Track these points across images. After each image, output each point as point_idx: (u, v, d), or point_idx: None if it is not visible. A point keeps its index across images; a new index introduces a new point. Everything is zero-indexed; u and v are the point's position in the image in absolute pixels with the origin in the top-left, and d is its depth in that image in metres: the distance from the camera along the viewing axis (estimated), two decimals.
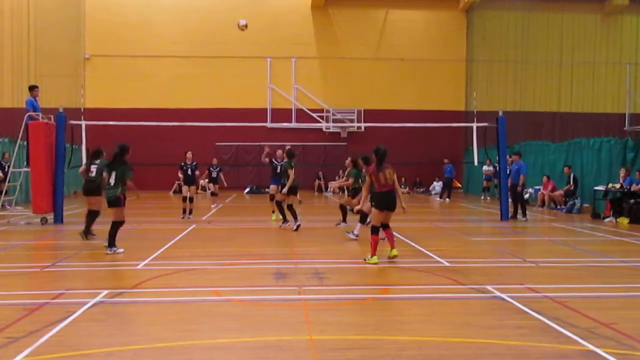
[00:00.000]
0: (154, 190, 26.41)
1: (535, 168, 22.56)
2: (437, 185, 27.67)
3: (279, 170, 13.99)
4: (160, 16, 29.98)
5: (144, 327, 5.42)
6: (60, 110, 14.38)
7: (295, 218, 12.55)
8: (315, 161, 29.87)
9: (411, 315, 5.92)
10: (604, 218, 15.44)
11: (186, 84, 29.80)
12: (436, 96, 30.75)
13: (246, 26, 14.95)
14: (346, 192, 14.19)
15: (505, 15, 31.43)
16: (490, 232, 13.44)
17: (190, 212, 15.27)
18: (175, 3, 30.25)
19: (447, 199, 23.64)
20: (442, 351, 4.66)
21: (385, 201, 8.80)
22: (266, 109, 30.38)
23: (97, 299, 6.26)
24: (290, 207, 12.80)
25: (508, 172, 16.10)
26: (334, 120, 30.35)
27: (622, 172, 15.80)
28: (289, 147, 14.10)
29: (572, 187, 18.20)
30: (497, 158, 15.90)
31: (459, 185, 29.42)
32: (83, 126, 15.42)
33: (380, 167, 8.83)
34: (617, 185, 15.62)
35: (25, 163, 15.03)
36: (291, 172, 12.56)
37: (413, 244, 10.54)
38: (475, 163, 17.50)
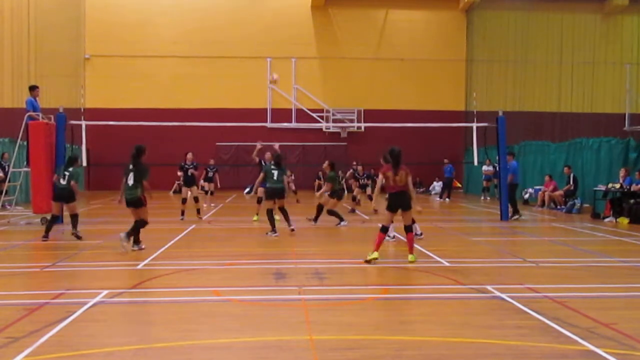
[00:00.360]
0: (153, 190, 26.24)
1: (535, 168, 22.58)
2: (437, 185, 27.68)
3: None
4: (160, 16, 29.98)
5: (144, 327, 5.43)
6: (60, 110, 14.38)
7: (272, 227, 11.74)
8: (315, 161, 29.84)
9: (411, 315, 5.93)
10: (603, 218, 15.44)
11: (186, 84, 29.80)
12: (436, 96, 30.75)
13: (277, 81, 15.13)
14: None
15: (505, 15, 31.44)
16: (490, 232, 13.44)
17: (198, 212, 15.30)
18: (175, 3, 30.25)
19: (447, 199, 23.64)
20: (442, 351, 4.66)
21: (396, 202, 8.80)
22: (266, 109, 30.38)
23: (97, 299, 6.26)
24: (268, 212, 11.98)
25: None
26: (334, 120, 30.36)
27: (621, 172, 15.80)
28: (276, 147, 13.97)
29: (572, 187, 18.20)
30: (497, 158, 15.88)
31: (459, 185, 29.41)
32: (83, 126, 15.42)
33: (397, 168, 8.82)
34: (617, 185, 15.62)
35: (25, 163, 15.03)
36: (285, 178, 12.30)
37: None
38: (475, 163, 17.50)
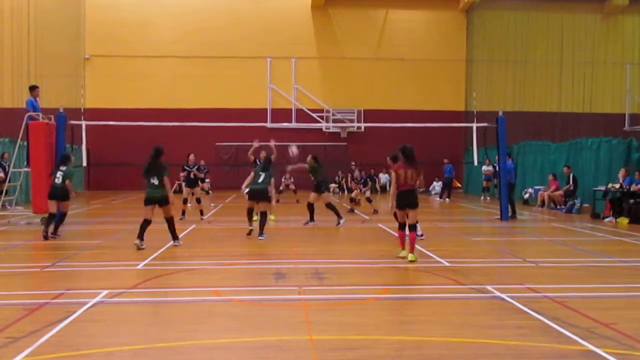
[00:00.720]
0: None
1: (535, 168, 22.57)
2: (437, 185, 27.69)
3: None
4: (160, 16, 30.00)
5: (144, 327, 5.43)
6: (61, 110, 14.37)
7: (250, 224, 11.62)
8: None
9: (411, 315, 5.92)
10: (603, 218, 15.44)
11: (186, 84, 29.82)
12: (436, 96, 30.76)
13: (296, 152, 15.12)
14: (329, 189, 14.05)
15: (505, 15, 31.45)
16: (490, 232, 13.43)
17: (201, 213, 15.32)
18: (175, 3, 30.27)
19: (447, 199, 23.64)
20: (442, 351, 4.66)
21: (405, 200, 8.95)
22: (266, 109, 30.38)
23: (97, 299, 6.26)
24: (249, 211, 11.77)
25: None
26: (334, 120, 30.36)
27: (621, 172, 15.80)
28: (272, 145, 13.94)
29: (572, 187, 18.20)
30: (497, 158, 15.88)
31: (459, 185, 29.41)
32: (83, 126, 15.42)
33: (410, 165, 8.96)
34: (617, 185, 15.62)
35: (25, 163, 15.03)
36: (272, 181, 12.14)
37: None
38: (475, 163, 17.49)
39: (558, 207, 18.38)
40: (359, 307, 6.14)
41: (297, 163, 15.06)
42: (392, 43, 30.90)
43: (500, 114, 15.79)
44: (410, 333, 5.15)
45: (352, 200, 18.81)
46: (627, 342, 4.85)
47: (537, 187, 20.80)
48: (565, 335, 5.01)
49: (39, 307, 5.91)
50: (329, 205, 13.71)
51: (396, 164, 9.33)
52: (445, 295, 6.69)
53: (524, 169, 22.98)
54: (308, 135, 30.10)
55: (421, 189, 28.64)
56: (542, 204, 19.09)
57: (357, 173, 19.59)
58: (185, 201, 15.29)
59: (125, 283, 7.14)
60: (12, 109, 26.01)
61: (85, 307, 5.91)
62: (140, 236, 9.82)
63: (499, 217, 15.23)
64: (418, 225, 10.49)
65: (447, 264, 8.54)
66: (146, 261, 8.69)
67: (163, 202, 10.07)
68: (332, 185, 29.19)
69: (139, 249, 9.68)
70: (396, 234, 9.47)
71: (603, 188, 16.41)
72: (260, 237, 11.21)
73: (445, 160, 24.86)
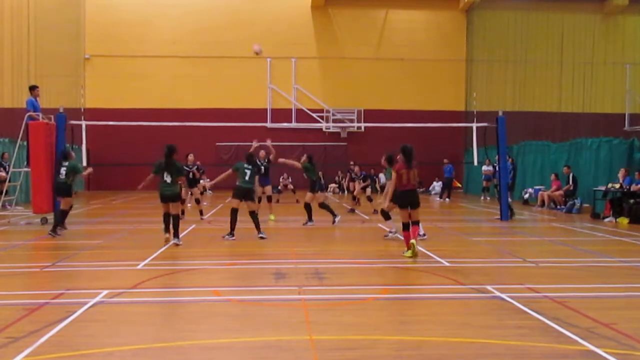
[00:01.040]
0: (153, 190, 26.36)
1: (535, 168, 22.57)
2: (437, 185, 27.69)
3: (262, 171, 14.41)
4: (160, 16, 30.00)
5: (144, 327, 5.42)
6: (61, 110, 14.37)
7: (231, 229, 11.20)
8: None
9: (411, 315, 5.92)
10: (603, 218, 15.43)
11: (186, 84, 29.82)
12: (436, 96, 30.76)
13: (260, 51, 15.13)
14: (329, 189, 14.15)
15: (505, 15, 31.45)
16: (490, 232, 13.43)
17: (201, 213, 15.34)
18: (175, 3, 30.27)
19: (447, 199, 23.64)
20: (442, 351, 4.66)
21: (407, 199, 9.07)
22: (266, 109, 30.39)
23: (97, 299, 6.26)
24: (232, 211, 11.32)
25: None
26: (334, 120, 30.36)
27: (621, 172, 15.79)
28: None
29: (572, 187, 18.20)
30: (497, 158, 15.88)
31: (460, 185, 29.42)
32: (83, 126, 15.43)
33: (409, 165, 9.08)
34: (617, 185, 15.62)
35: (25, 163, 15.03)
36: (256, 178, 12.10)
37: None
38: (475, 163, 17.48)
39: (558, 207, 18.38)
40: (359, 307, 6.14)
41: (289, 159, 15.17)
42: (392, 43, 30.91)
43: (500, 114, 15.78)
44: (410, 333, 5.15)
45: (354, 199, 18.80)
46: (627, 342, 4.85)
47: (537, 187, 20.80)
48: (565, 335, 5.01)
49: (39, 307, 5.91)
50: (322, 205, 13.73)
51: (392, 164, 9.41)
52: (445, 295, 6.69)
53: (524, 169, 22.98)
54: (308, 135, 30.12)
55: (421, 189, 28.68)
56: (542, 204, 19.09)
57: (356, 169, 19.58)
58: (183, 201, 15.30)
59: (125, 283, 7.14)
60: (12, 109, 26.02)
61: (85, 307, 5.91)
62: (167, 229, 10.52)
63: (498, 217, 15.24)
64: (420, 225, 10.54)
65: (447, 264, 8.54)
66: (146, 261, 8.69)
67: (174, 199, 10.53)
68: (332, 185, 29.21)
69: (167, 241, 10.36)
70: (400, 236, 9.49)
71: (603, 188, 16.41)
72: (261, 236, 11.19)
73: (445, 160, 24.86)
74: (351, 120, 30.06)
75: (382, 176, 28.48)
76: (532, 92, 31.54)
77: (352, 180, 19.72)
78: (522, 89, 31.59)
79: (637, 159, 16.58)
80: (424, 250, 9.77)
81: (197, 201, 15.68)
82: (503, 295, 6.42)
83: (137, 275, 7.76)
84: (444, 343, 4.86)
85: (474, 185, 27.25)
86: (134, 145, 28.08)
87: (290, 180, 25.29)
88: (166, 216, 10.55)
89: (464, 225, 14.62)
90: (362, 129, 29.65)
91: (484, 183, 24.08)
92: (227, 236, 11.16)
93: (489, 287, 6.83)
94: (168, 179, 10.48)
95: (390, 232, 11.28)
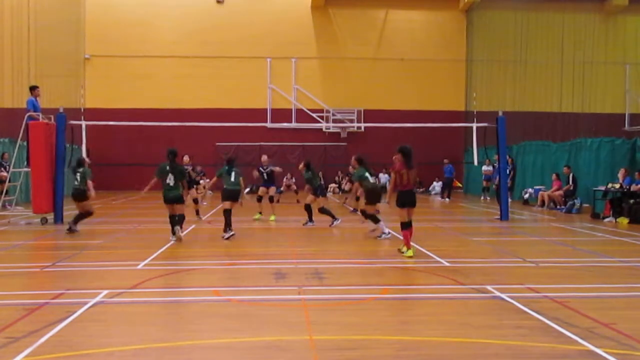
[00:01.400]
0: (153, 190, 26.35)
1: (535, 168, 22.56)
2: (437, 185, 27.67)
3: (265, 177, 15.45)
4: (160, 16, 29.98)
5: (144, 327, 5.42)
6: (61, 110, 14.38)
7: (228, 226, 11.27)
8: (315, 161, 29.84)
9: (411, 315, 5.93)
10: (603, 218, 15.44)
11: (186, 84, 29.80)
12: (436, 96, 30.75)
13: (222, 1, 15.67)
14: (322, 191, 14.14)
15: (505, 15, 31.42)
16: (490, 232, 13.43)
17: (197, 213, 15.36)
18: (175, 3, 30.25)
19: (447, 199, 23.65)
20: (442, 351, 4.66)
21: (406, 199, 9.19)
22: (266, 109, 30.38)
23: (97, 299, 6.26)
24: (226, 212, 11.44)
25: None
26: (334, 121, 30.35)
27: (621, 172, 15.79)
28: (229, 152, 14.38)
29: (572, 187, 18.20)
30: (496, 158, 15.88)
31: (459, 185, 29.42)
32: (83, 126, 15.43)
33: (409, 165, 9.21)
34: (617, 186, 15.62)
35: (25, 163, 15.03)
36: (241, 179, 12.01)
37: (413, 244, 10.50)
38: (475, 163, 17.48)
39: (558, 207, 18.38)
40: (359, 307, 6.14)
41: (289, 159, 15.53)
42: (392, 43, 30.89)
43: (500, 114, 15.78)
44: (410, 333, 5.15)
45: (357, 199, 18.76)
46: (627, 342, 4.85)
47: (537, 187, 20.79)
48: (565, 335, 5.01)
49: (39, 307, 5.91)
50: (322, 210, 13.72)
51: (362, 165, 9.68)
52: (445, 295, 6.69)
53: (524, 169, 22.98)
54: (308, 135, 30.12)
55: (421, 189, 28.69)
56: (542, 204, 19.09)
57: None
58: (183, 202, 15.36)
59: (125, 283, 7.14)
60: (12, 109, 25.98)
61: (85, 307, 5.91)
62: (173, 232, 10.74)
63: (498, 217, 15.24)
64: (383, 223, 11.26)
65: (447, 264, 8.54)
66: (146, 261, 8.69)
67: (178, 201, 10.87)
68: (332, 185, 29.20)
69: (179, 239, 10.63)
70: (401, 236, 9.51)
71: (603, 188, 16.41)
72: (222, 235, 11.12)
73: (445, 160, 24.86)
74: (351, 121, 30.04)
75: (382, 176, 28.51)
76: (532, 92, 31.50)
77: (351, 181, 19.69)
78: (522, 89, 31.56)
79: (639, 159, 16.57)
80: (424, 250, 9.77)
81: (196, 201, 15.60)
82: (503, 295, 6.42)
83: (137, 275, 7.76)
84: (444, 343, 4.86)
85: (474, 185, 27.24)
86: (134, 145, 28.09)
87: (294, 180, 25.30)
88: (172, 218, 10.83)
89: (464, 225, 14.62)
90: (362, 129, 29.63)
91: (484, 183, 24.08)
92: (226, 233, 11.18)
93: (489, 287, 6.83)
94: (171, 181, 10.80)
95: (383, 233, 11.29)
